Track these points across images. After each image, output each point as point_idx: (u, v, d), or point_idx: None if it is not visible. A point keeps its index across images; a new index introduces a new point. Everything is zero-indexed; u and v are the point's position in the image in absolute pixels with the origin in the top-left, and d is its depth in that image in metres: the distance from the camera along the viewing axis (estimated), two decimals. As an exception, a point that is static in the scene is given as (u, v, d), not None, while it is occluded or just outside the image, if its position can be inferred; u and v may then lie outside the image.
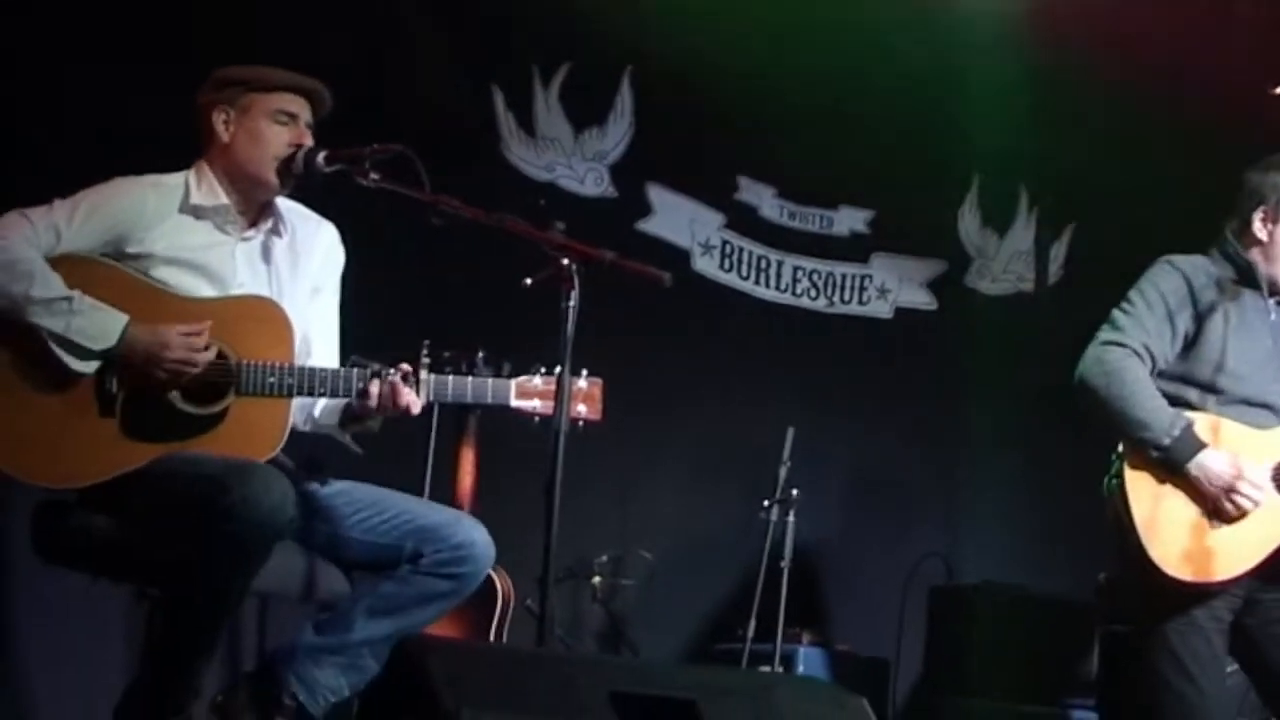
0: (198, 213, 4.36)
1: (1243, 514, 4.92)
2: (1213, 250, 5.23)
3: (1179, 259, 5.21)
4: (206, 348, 4.14)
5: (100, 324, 4.08)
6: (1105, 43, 7.99)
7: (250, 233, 4.44)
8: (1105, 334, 5.10)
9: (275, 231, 4.48)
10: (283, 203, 4.52)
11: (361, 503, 4.36)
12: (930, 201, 8.79)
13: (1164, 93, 8.16)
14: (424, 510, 4.42)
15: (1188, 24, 7.88)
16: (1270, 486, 4.97)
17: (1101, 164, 8.50)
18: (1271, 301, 5.18)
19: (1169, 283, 5.14)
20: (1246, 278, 5.16)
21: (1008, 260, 9.06)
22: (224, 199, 4.40)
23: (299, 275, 4.50)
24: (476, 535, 4.32)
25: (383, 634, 4.22)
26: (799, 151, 8.27)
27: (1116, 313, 5.13)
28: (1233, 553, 4.94)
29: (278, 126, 4.40)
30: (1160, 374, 5.07)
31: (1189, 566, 4.90)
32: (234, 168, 4.40)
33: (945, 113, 8.32)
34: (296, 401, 4.32)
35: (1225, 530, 4.94)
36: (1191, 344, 5.10)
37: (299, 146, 4.38)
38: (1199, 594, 4.94)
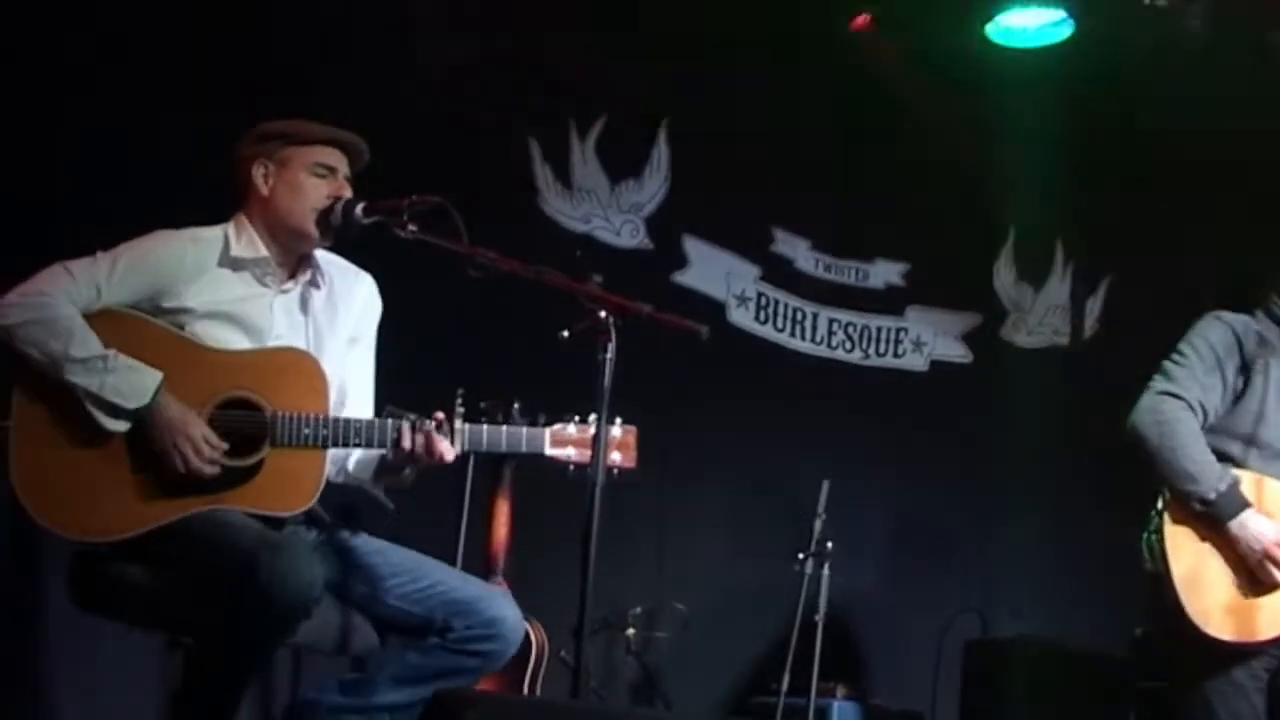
0: (236, 265, 4.39)
1: (1269, 581, 4.91)
2: (1258, 310, 5.23)
3: (1227, 314, 5.22)
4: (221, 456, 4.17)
5: (134, 382, 4.10)
6: (1141, 94, 8.00)
7: (289, 284, 4.46)
8: (1160, 384, 5.10)
9: (313, 283, 4.50)
10: (320, 254, 4.54)
11: (399, 566, 4.36)
12: (966, 254, 8.81)
13: (1202, 148, 8.15)
14: (458, 582, 4.41)
15: (1226, 78, 7.89)
16: None
17: (1138, 218, 8.49)
18: None
19: (1218, 336, 5.15)
20: None
21: (1043, 313, 9.05)
22: (264, 251, 4.42)
23: (337, 326, 4.51)
24: (508, 613, 4.34)
25: (404, 701, 4.27)
26: (834, 204, 8.31)
27: (1168, 364, 5.14)
28: (1269, 616, 4.92)
29: (316, 179, 4.42)
30: (1206, 428, 5.07)
31: (1230, 625, 4.88)
32: (274, 220, 4.42)
33: (981, 165, 8.31)
34: (330, 453, 4.33)
35: (1264, 592, 4.92)
36: (1237, 398, 5.10)
37: (338, 199, 4.40)
38: (1239, 652, 4.91)
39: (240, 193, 4.48)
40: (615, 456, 4.40)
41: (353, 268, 4.65)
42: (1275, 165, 8.01)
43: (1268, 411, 5.08)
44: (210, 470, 4.13)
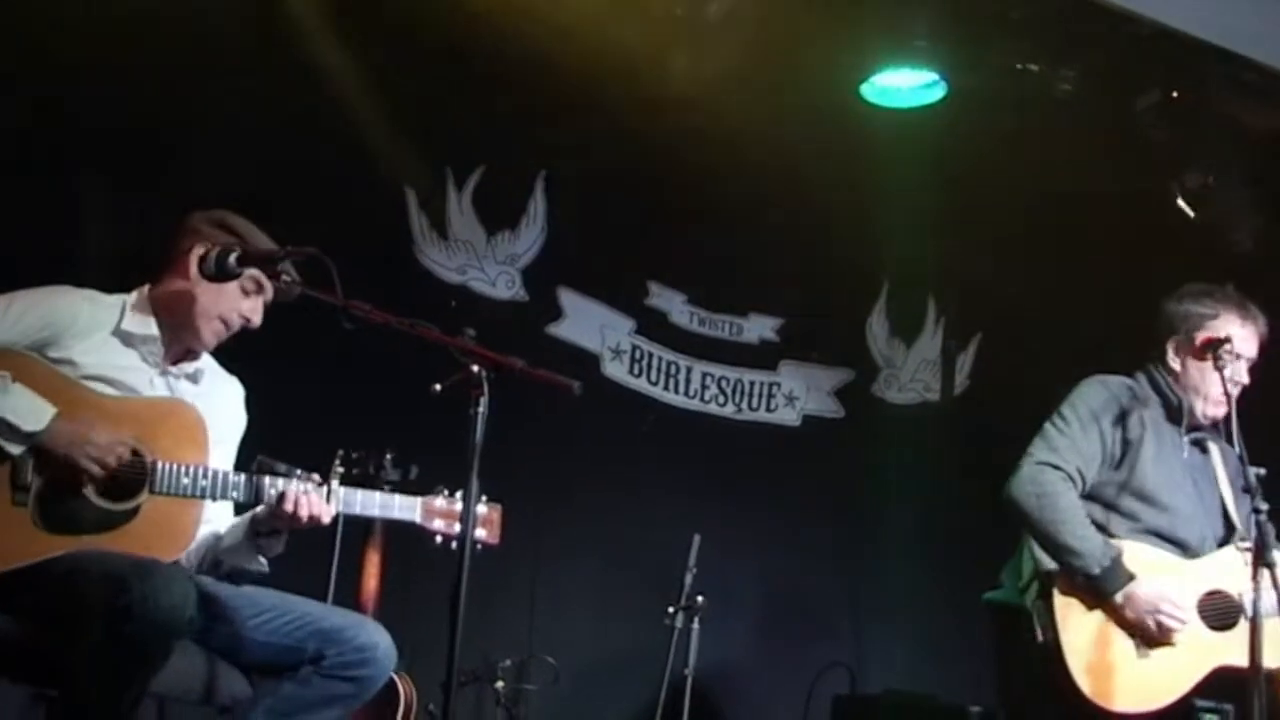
0: (126, 338, 4.39)
1: (1168, 638, 4.96)
2: (1139, 375, 5.31)
3: (1110, 379, 5.30)
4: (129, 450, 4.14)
5: (33, 406, 4.06)
6: (1012, 156, 8.09)
7: (172, 369, 4.47)
8: (1040, 453, 5.13)
9: (192, 378, 4.52)
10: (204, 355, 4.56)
11: (263, 605, 4.36)
12: (839, 310, 8.88)
13: (1071, 207, 8.26)
14: (326, 613, 4.43)
15: (1095, 141, 8.01)
16: (1195, 615, 5.02)
17: (1009, 276, 8.59)
18: (1186, 439, 5.26)
19: (1101, 402, 5.22)
20: (1173, 413, 5.24)
21: (915, 369, 9.13)
22: (154, 330, 4.42)
23: (210, 422, 4.47)
24: (379, 639, 4.35)
25: None
26: (710, 259, 8.34)
27: (1051, 430, 5.18)
28: (1164, 682, 4.98)
29: (243, 295, 4.44)
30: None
31: (1125, 697, 4.92)
32: (180, 307, 4.42)
33: (855, 222, 8.39)
34: (196, 548, 4.35)
35: (1155, 658, 4.98)
36: (1114, 465, 5.17)
37: (247, 321, 4.44)
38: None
39: (159, 264, 4.47)
40: (480, 533, 4.50)
41: (223, 372, 4.70)
42: (1141, 225, 8.16)
43: (1141, 483, 5.15)
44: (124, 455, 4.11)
